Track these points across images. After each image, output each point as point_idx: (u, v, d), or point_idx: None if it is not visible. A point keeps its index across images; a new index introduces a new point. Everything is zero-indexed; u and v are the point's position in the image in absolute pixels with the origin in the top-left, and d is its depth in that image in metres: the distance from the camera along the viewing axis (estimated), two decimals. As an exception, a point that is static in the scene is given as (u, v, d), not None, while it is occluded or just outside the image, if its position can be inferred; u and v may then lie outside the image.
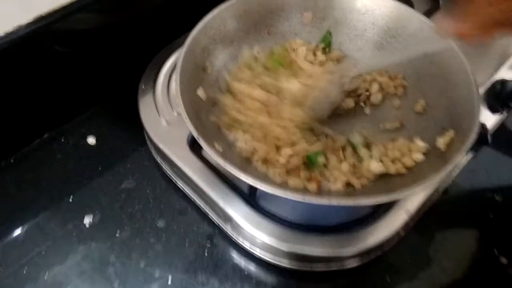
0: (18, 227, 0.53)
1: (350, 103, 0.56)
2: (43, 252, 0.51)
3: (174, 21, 0.66)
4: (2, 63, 0.51)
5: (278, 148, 0.50)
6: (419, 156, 0.48)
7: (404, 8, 0.57)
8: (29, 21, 0.49)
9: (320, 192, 0.48)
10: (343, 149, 0.52)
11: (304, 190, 0.47)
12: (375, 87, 0.57)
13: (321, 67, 0.57)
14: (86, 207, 0.55)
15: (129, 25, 0.64)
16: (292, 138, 0.51)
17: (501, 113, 0.65)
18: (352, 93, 0.57)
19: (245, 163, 0.49)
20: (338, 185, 0.48)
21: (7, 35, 0.48)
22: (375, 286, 0.52)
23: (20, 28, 0.49)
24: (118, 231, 0.53)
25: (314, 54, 0.59)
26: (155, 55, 0.65)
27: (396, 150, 0.49)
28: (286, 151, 0.49)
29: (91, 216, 0.54)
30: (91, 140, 0.61)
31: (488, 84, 0.64)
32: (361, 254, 0.50)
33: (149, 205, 0.55)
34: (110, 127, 0.63)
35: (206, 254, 0.52)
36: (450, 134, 0.47)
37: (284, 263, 0.50)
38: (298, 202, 0.41)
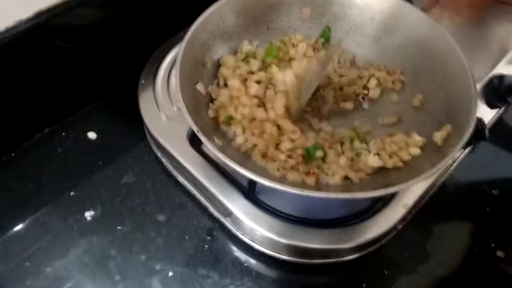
0: (19, 221, 0.53)
1: (349, 105, 0.57)
2: (45, 246, 0.51)
3: (173, 16, 0.66)
4: (2, 58, 0.51)
5: (277, 144, 0.51)
6: (416, 150, 0.49)
7: (402, 3, 0.57)
8: (30, 16, 0.50)
9: (318, 186, 0.48)
10: (341, 143, 0.52)
11: (303, 184, 0.48)
12: (373, 82, 0.57)
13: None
14: (87, 201, 0.55)
15: (129, 20, 0.64)
16: (290, 136, 0.51)
17: (499, 108, 0.65)
18: (350, 95, 0.57)
19: (244, 158, 0.50)
20: (336, 179, 0.48)
21: (8, 30, 0.49)
22: (373, 279, 0.52)
23: (20, 23, 0.49)
24: (118, 225, 0.53)
25: (314, 50, 0.60)
26: (155, 50, 0.65)
27: (393, 144, 0.50)
28: (286, 145, 0.50)
29: (92, 211, 0.54)
30: (92, 135, 0.61)
31: (486, 79, 0.64)
32: (359, 248, 0.50)
33: (150, 199, 0.56)
34: (110, 122, 0.63)
35: (206, 248, 0.52)
36: (447, 128, 0.48)
37: (283, 256, 0.51)
38: (297, 195, 0.41)
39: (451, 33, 0.54)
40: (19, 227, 0.53)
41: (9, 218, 0.53)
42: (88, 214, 0.54)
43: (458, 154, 0.61)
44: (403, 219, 0.52)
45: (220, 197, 0.51)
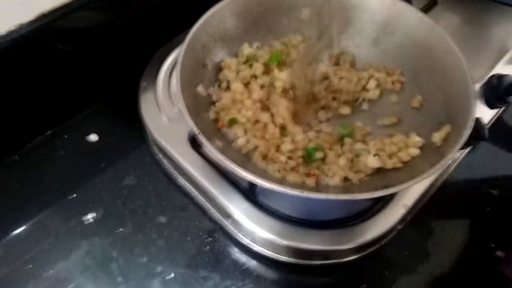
0: (21, 223, 0.54)
1: (346, 110, 0.57)
2: (46, 249, 0.52)
3: (174, 18, 0.66)
4: (4, 61, 0.52)
5: (278, 145, 0.51)
6: (415, 151, 0.49)
7: (401, 4, 0.57)
8: (31, 19, 0.50)
9: (318, 187, 0.48)
10: (341, 144, 0.53)
11: (303, 185, 0.48)
12: (372, 83, 0.57)
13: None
14: (88, 203, 0.55)
15: (130, 23, 0.65)
16: (294, 137, 0.52)
17: (498, 107, 0.65)
18: (349, 96, 0.58)
19: (245, 159, 0.50)
20: (336, 180, 0.48)
21: (9, 33, 0.49)
22: (373, 279, 0.52)
23: (22, 26, 0.49)
24: (120, 227, 0.53)
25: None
26: (156, 52, 0.65)
27: (393, 145, 0.50)
28: (286, 146, 0.50)
29: (94, 213, 0.54)
30: (93, 137, 0.61)
31: (485, 79, 0.64)
32: (359, 248, 0.50)
33: (151, 201, 0.56)
34: (111, 124, 0.63)
35: (207, 249, 0.53)
36: (446, 129, 0.48)
37: (283, 257, 0.51)
38: (297, 197, 0.42)
39: (450, 33, 0.54)
40: (20, 229, 0.53)
41: (10, 220, 0.54)
42: (90, 216, 0.54)
43: (458, 154, 0.61)
44: (403, 219, 0.52)
45: (221, 199, 0.52)
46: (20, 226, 0.53)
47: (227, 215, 0.52)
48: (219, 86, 0.55)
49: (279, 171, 0.48)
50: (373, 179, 0.49)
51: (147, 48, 0.65)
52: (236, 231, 0.53)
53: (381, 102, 0.58)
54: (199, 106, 0.51)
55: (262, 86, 0.55)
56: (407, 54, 0.57)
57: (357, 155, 0.50)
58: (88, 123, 0.63)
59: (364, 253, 0.51)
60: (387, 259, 0.53)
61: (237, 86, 0.54)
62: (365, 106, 0.58)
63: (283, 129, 0.52)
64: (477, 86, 0.63)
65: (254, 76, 0.56)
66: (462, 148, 0.56)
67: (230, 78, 0.55)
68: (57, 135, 0.61)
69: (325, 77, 0.58)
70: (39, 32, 0.51)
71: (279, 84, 0.55)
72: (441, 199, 0.57)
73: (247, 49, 0.57)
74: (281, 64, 0.57)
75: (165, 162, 0.58)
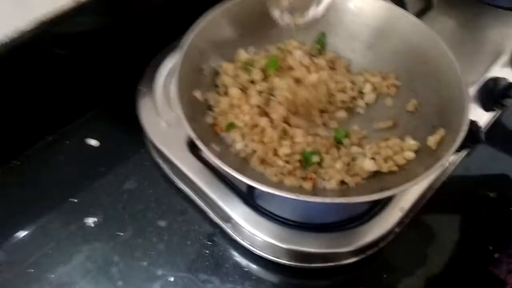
0: (22, 228, 0.54)
1: (342, 113, 0.57)
2: (48, 253, 0.52)
3: (171, 23, 0.67)
4: (4, 67, 0.52)
5: (275, 149, 0.51)
6: (410, 155, 0.49)
7: (396, 8, 0.57)
8: (31, 26, 0.50)
9: (315, 190, 0.49)
10: (338, 148, 0.53)
11: (300, 189, 0.48)
12: (368, 88, 0.58)
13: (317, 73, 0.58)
14: (89, 208, 0.56)
15: (128, 28, 0.65)
16: (294, 137, 0.52)
17: (494, 110, 0.66)
18: (345, 101, 0.58)
19: (243, 163, 0.50)
20: (333, 184, 0.49)
21: (9, 39, 0.49)
22: (372, 282, 0.53)
23: (21, 33, 0.50)
24: (120, 231, 0.54)
25: (311, 56, 0.60)
26: (154, 57, 0.65)
27: (388, 148, 0.50)
28: (284, 150, 0.51)
29: (94, 217, 0.55)
30: (93, 142, 0.62)
31: (481, 82, 0.65)
32: (358, 251, 0.51)
33: (151, 205, 0.56)
34: (110, 129, 0.64)
35: (207, 253, 0.53)
36: (440, 132, 0.48)
37: (283, 260, 0.51)
38: (295, 200, 0.42)
39: (445, 37, 0.54)
40: (22, 234, 0.54)
41: (11, 225, 0.54)
42: (90, 221, 0.55)
43: (455, 156, 0.61)
44: (400, 222, 0.53)
45: (220, 203, 0.52)
46: (21, 231, 0.54)
47: (227, 219, 0.53)
48: (217, 91, 0.56)
49: (276, 175, 0.49)
50: (369, 182, 0.49)
51: (145, 53, 0.65)
52: (235, 235, 0.53)
53: (377, 106, 0.58)
54: (196, 111, 0.52)
55: (260, 92, 0.55)
56: (402, 58, 0.57)
57: (353, 159, 0.51)
58: (87, 128, 0.63)
59: (363, 256, 0.52)
60: (385, 262, 0.54)
61: (234, 91, 0.54)
62: (361, 110, 0.58)
63: (283, 132, 0.53)
64: (473, 89, 0.64)
65: (252, 82, 0.56)
66: (458, 151, 0.57)
67: (228, 83, 0.55)
68: (57, 140, 0.62)
69: (323, 82, 0.59)
70: (38, 38, 0.52)
71: (279, 93, 0.55)
72: (438, 201, 0.57)
73: (243, 55, 0.58)
74: (279, 70, 0.57)
75: (164, 166, 0.58)
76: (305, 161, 0.51)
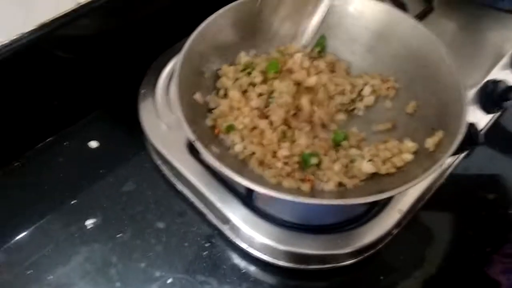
0: (21, 229, 0.54)
1: (342, 116, 0.58)
2: (47, 254, 0.52)
3: (172, 27, 0.67)
4: (6, 69, 0.53)
5: (274, 151, 0.52)
6: (408, 156, 0.49)
7: (396, 12, 0.58)
8: (33, 29, 0.51)
9: (313, 192, 0.49)
10: (336, 150, 0.53)
11: (298, 191, 0.48)
12: (367, 90, 0.58)
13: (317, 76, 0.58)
14: (88, 209, 0.56)
15: (129, 31, 0.65)
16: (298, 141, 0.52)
17: (494, 113, 0.66)
18: (344, 103, 0.58)
19: (242, 165, 0.51)
20: (331, 185, 0.49)
21: (12, 42, 0.50)
22: (369, 283, 0.53)
23: (24, 36, 0.50)
24: (119, 233, 0.54)
25: (311, 59, 0.61)
26: (155, 60, 0.66)
27: (387, 151, 0.50)
28: (283, 152, 0.51)
29: (93, 218, 0.55)
30: (93, 144, 0.62)
31: (481, 84, 0.65)
32: (355, 253, 0.51)
33: (150, 207, 0.56)
34: (111, 131, 0.64)
35: (205, 255, 0.53)
36: (439, 134, 0.48)
37: (281, 262, 0.52)
38: (293, 202, 0.42)
39: (446, 39, 0.55)
40: (21, 235, 0.54)
41: (11, 226, 0.54)
42: (89, 222, 0.55)
43: (454, 158, 0.61)
44: (398, 224, 0.53)
45: (219, 205, 0.52)
46: (21, 232, 0.54)
47: (225, 221, 0.53)
48: (217, 93, 0.56)
49: (274, 176, 0.49)
50: (367, 184, 0.49)
51: (146, 56, 0.66)
52: (233, 236, 0.53)
53: (376, 108, 0.58)
54: (196, 113, 0.52)
55: (260, 95, 0.55)
56: (401, 61, 0.57)
57: (352, 161, 0.51)
58: (88, 130, 0.64)
59: (361, 257, 0.52)
60: (383, 264, 0.54)
61: (234, 93, 0.54)
62: (360, 112, 0.58)
63: (283, 134, 0.53)
64: (473, 92, 0.64)
65: (252, 84, 0.56)
66: (457, 153, 0.57)
67: (228, 85, 0.56)
68: (58, 142, 0.62)
69: (322, 85, 0.59)
70: (40, 41, 0.52)
71: (278, 96, 0.55)
72: (437, 203, 0.58)
73: (244, 58, 0.58)
74: (279, 73, 0.57)
75: (164, 168, 0.59)
76: (303, 163, 0.51)
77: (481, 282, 0.54)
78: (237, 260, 0.53)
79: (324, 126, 0.56)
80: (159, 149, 0.57)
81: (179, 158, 0.56)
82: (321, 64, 0.60)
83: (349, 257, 0.51)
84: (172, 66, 0.65)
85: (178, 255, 0.53)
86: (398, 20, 0.57)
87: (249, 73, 0.57)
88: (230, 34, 0.57)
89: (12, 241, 0.53)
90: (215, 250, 0.54)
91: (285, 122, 0.54)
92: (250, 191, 0.52)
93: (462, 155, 0.62)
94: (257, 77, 0.56)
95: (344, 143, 0.54)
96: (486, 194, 0.60)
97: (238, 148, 0.51)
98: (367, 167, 0.49)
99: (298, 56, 0.57)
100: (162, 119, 0.59)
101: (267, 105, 0.55)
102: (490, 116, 0.66)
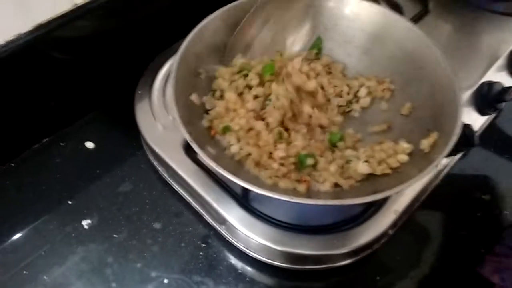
0: (18, 230, 0.54)
1: (339, 117, 0.58)
2: (43, 255, 0.52)
3: (169, 28, 0.67)
4: (3, 70, 0.53)
5: (270, 152, 0.52)
6: (404, 157, 0.50)
7: (391, 14, 0.58)
8: (29, 30, 0.51)
9: (309, 193, 0.49)
10: (332, 150, 0.54)
11: (294, 191, 0.48)
12: (363, 91, 0.58)
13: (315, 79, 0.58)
14: (84, 209, 0.56)
15: (126, 32, 0.65)
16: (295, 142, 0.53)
17: (489, 114, 0.66)
18: (341, 104, 0.59)
19: (238, 166, 0.51)
20: (327, 186, 0.49)
21: (8, 43, 0.50)
22: (365, 284, 0.53)
23: (20, 36, 0.51)
24: (115, 233, 0.54)
25: (308, 61, 0.61)
26: (151, 61, 0.66)
27: (382, 152, 0.51)
28: (279, 153, 0.51)
29: (89, 219, 0.55)
30: (89, 145, 0.62)
31: (476, 86, 0.65)
32: (352, 253, 0.51)
33: (146, 207, 0.57)
34: (107, 131, 0.65)
35: (201, 255, 0.53)
36: (433, 136, 0.49)
37: (277, 262, 0.52)
38: (290, 203, 0.42)
39: (442, 41, 0.55)
40: (17, 235, 0.54)
41: (7, 226, 0.54)
42: (86, 223, 0.55)
43: (449, 160, 0.62)
44: (394, 224, 0.53)
45: (215, 205, 0.52)
46: (17, 233, 0.54)
47: (221, 221, 0.53)
48: (213, 94, 0.56)
49: (271, 177, 0.49)
50: (363, 185, 0.49)
51: (143, 57, 0.66)
52: (230, 237, 0.53)
53: (372, 109, 0.59)
54: (192, 114, 0.52)
55: (256, 97, 0.55)
56: (397, 63, 0.57)
57: (348, 162, 0.51)
58: (84, 131, 0.64)
59: (357, 258, 0.52)
60: (379, 264, 0.54)
61: (230, 95, 0.54)
62: (356, 113, 0.59)
63: (279, 135, 0.53)
64: (468, 93, 0.64)
65: (248, 86, 0.56)
66: (452, 154, 0.58)
67: (224, 87, 0.56)
68: (54, 143, 0.62)
69: (321, 87, 0.59)
70: (37, 42, 0.52)
71: (276, 98, 0.54)
72: (432, 204, 0.58)
73: (239, 60, 0.58)
74: (275, 75, 0.57)
75: (160, 169, 0.59)
76: (299, 164, 0.51)
77: (476, 282, 0.54)
78: (233, 260, 0.53)
79: (322, 128, 0.56)
80: (155, 149, 0.57)
81: (175, 159, 0.56)
82: (318, 66, 0.60)
83: (345, 258, 0.51)
84: (168, 67, 0.65)
85: (174, 255, 0.53)
86: (394, 22, 0.57)
87: (245, 75, 0.57)
88: (226, 35, 0.57)
89: (8, 242, 0.53)
90: (211, 250, 0.54)
91: (282, 124, 0.54)
92: (246, 192, 0.53)
93: (458, 156, 0.63)
94: (253, 80, 0.56)
95: (340, 144, 0.54)
96: (482, 195, 0.61)
97: (234, 149, 0.52)
98: (362, 168, 0.49)
99: (297, 61, 0.57)
100: (159, 120, 0.60)
101: (263, 107, 0.55)
102: (485, 117, 0.67)
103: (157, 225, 0.55)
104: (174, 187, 0.58)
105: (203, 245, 0.54)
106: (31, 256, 0.52)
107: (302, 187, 0.49)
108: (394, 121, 0.56)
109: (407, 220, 0.55)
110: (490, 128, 0.67)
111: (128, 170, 0.60)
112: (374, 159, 0.50)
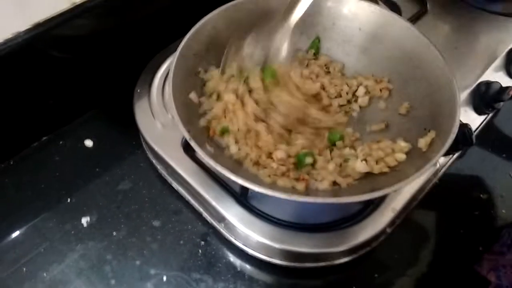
0: (17, 228, 0.54)
1: (342, 118, 0.58)
2: (42, 252, 0.53)
3: (168, 27, 0.68)
4: (1, 68, 0.53)
5: (270, 153, 0.51)
6: (401, 156, 0.50)
7: (389, 14, 0.58)
8: (28, 28, 0.51)
9: (308, 191, 0.49)
10: (331, 149, 0.54)
11: (293, 190, 0.49)
12: (361, 91, 0.58)
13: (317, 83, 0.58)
14: (83, 207, 0.56)
15: (125, 31, 0.65)
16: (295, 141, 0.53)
17: (487, 114, 0.67)
18: (342, 104, 0.59)
19: (237, 165, 0.51)
20: (325, 184, 0.49)
21: (6, 41, 0.50)
22: (363, 281, 0.53)
23: (18, 35, 0.51)
24: (114, 231, 0.54)
25: (306, 61, 0.61)
26: (150, 60, 0.66)
27: (380, 150, 0.51)
28: (278, 154, 0.51)
29: (89, 217, 0.55)
30: (89, 143, 0.62)
31: (474, 85, 0.65)
32: (350, 251, 0.51)
33: (145, 205, 0.57)
34: (107, 130, 0.65)
35: (200, 253, 0.53)
36: (431, 135, 0.49)
37: (275, 260, 0.52)
38: (288, 201, 0.42)
39: (440, 41, 0.55)
40: (17, 233, 0.54)
41: (7, 224, 0.55)
42: (85, 220, 0.55)
43: (447, 159, 0.62)
44: (392, 222, 0.53)
45: (214, 203, 0.53)
46: (16, 231, 0.54)
47: (220, 219, 0.53)
48: (210, 96, 0.55)
49: (269, 176, 0.49)
50: (361, 183, 0.50)
51: (142, 56, 0.66)
52: (228, 234, 0.54)
53: (370, 108, 0.59)
54: (191, 113, 0.52)
55: (257, 101, 0.54)
56: (394, 62, 0.58)
57: (346, 160, 0.51)
58: (83, 129, 0.64)
59: (355, 255, 0.52)
60: (377, 262, 0.54)
61: (230, 97, 0.53)
62: (354, 113, 0.59)
63: (280, 136, 0.53)
64: (466, 93, 0.64)
65: (249, 90, 0.55)
66: (450, 153, 0.58)
67: (221, 89, 0.55)
68: (53, 141, 0.62)
69: (323, 87, 0.59)
70: (36, 41, 0.52)
71: (282, 106, 0.54)
72: (430, 202, 0.58)
73: (233, 67, 0.56)
74: (276, 80, 0.56)
75: (159, 167, 0.59)
76: (298, 163, 0.52)
77: (474, 280, 0.54)
78: (232, 258, 0.54)
79: (329, 129, 0.56)
80: (154, 148, 0.57)
81: (174, 157, 0.56)
82: (316, 68, 0.60)
83: (343, 255, 0.52)
84: (167, 66, 0.65)
85: (173, 253, 0.53)
86: (392, 22, 0.58)
87: (246, 79, 0.55)
88: (225, 34, 0.57)
89: (8, 239, 0.54)
90: (210, 248, 0.54)
91: (283, 126, 0.54)
92: (245, 190, 0.53)
93: (455, 155, 0.63)
94: (255, 83, 0.55)
95: (339, 143, 0.54)
96: (479, 194, 0.61)
97: (232, 149, 0.51)
98: (360, 167, 0.49)
99: (296, 72, 0.57)
100: (158, 118, 0.60)
101: (265, 111, 0.54)
102: (483, 117, 0.67)
103: (156, 223, 0.55)
104: (173, 185, 0.58)
105: (202, 242, 0.54)
106: (31, 254, 0.52)
107: (300, 186, 0.49)
108: (392, 120, 0.56)
109: (405, 219, 0.55)
110: (487, 128, 0.68)
111: (127, 169, 0.60)
112: (372, 157, 0.51)
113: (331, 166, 0.51)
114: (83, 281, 0.51)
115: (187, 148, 0.56)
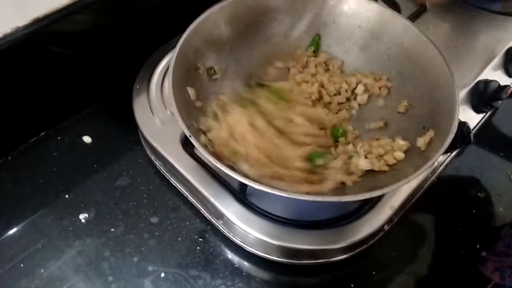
0: (15, 223, 0.54)
1: (346, 114, 0.58)
2: (40, 248, 0.52)
3: (168, 23, 0.67)
4: (0, 64, 0.53)
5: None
6: (400, 155, 0.50)
7: (388, 11, 0.58)
8: (27, 23, 0.51)
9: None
10: (335, 146, 0.54)
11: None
12: (360, 89, 0.58)
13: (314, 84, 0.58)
14: (81, 204, 0.56)
15: (124, 27, 0.65)
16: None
17: (485, 112, 0.67)
18: (342, 102, 0.59)
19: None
20: (333, 184, 0.48)
21: (5, 36, 0.50)
22: (361, 278, 0.53)
23: (18, 30, 0.50)
24: (112, 227, 0.54)
25: (305, 57, 0.61)
26: (150, 56, 0.66)
27: (379, 147, 0.51)
28: (297, 163, 0.49)
29: (87, 213, 0.55)
30: (87, 139, 0.62)
31: (472, 84, 0.66)
32: (347, 248, 0.51)
33: (143, 201, 0.57)
34: (105, 126, 0.64)
35: (198, 249, 0.53)
36: (430, 133, 0.49)
37: (273, 257, 0.52)
38: (287, 198, 0.43)
39: (439, 40, 0.55)
40: (14, 229, 0.54)
41: (4, 220, 0.54)
42: (83, 216, 0.55)
43: (445, 157, 0.62)
44: (390, 220, 0.53)
45: (212, 200, 0.53)
46: (14, 226, 0.54)
47: (218, 216, 0.53)
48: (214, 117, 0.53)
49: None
50: (362, 181, 0.50)
51: (141, 52, 0.66)
52: (227, 231, 0.54)
53: (369, 106, 0.59)
54: (191, 109, 0.52)
55: (269, 121, 0.52)
56: (394, 60, 0.58)
57: (350, 157, 0.51)
58: (82, 125, 0.64)
59: (352, 253, 0.52)
60: (374, 259, 0.54)
61: (244, 126, 0.50)
62: (353, 110, 0.59)
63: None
64: (465, 91, 0.65)
65: (260, 113, 0.52)
66: (449, 152, 0.58)
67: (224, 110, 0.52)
68: (52, 136, 0.62)
69: (322, 85, 0.59)
70: (35, 36, 0.52)
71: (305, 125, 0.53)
72: (428, 201, 0.58)
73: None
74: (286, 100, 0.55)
75: (157, 163, 0.59)
76: (310, 161, 0.50)
77: (470, 277, 0.55)
78: (230, 255, 0.54)
79: (334, 127, 0.56)
80: (153, 144, 0.57)
81: (173, 153, 0.56)
82: (312, 69, 0.61)
83: (341, 253, 0.52)
84: (166, 61, 0.65)
85: (171, 249, 0.53)
86: (391, 19, 0.58)
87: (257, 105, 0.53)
88: (225, 30, 0.57)
89: (5, 235, 0.53)
90: (208, 245, 0.54)
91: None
92: (243, 187, 0.53)
93: (454, 153, 0.63)
94: (268, 105, 0.53)
95: (341, 139, 0.55)
96: (477, 192, 0.61)
97: (245, 169, 0.47)
98: (363, 164, 0.49)
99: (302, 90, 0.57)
100: (157, 114, 0.60)
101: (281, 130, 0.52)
102: (481, 115, 0.67)
103: (154, 220, 0.55)
104: (172, 182, 0.58)
105: (200, 239, 0.54)
106: (28, 250, 0.52)
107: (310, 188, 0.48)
108: (391, 118, 0.56)
109: (403, 216, 0.56)
110: (485, 126, 0.68)
111: (126, 165, 0.60)
112: (372, 154, 0.51)
113: (338, 163, 0.50)
114: (81, 278, 0.51)
115: (186, 145, 0.56)
